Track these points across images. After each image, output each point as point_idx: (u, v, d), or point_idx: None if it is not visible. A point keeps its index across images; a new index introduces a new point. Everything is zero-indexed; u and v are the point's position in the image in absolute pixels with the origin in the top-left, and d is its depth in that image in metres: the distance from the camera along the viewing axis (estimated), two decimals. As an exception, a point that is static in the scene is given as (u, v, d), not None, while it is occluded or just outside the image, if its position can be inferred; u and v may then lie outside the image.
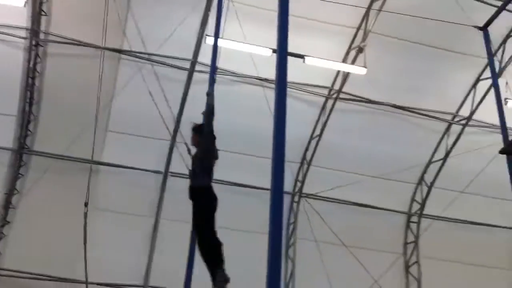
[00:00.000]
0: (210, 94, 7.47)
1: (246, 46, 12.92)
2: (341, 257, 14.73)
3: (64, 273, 13.73)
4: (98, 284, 13.68)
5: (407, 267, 16.54)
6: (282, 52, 5.26)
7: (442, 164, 16.26)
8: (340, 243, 14.66)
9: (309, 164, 15.83)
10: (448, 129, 16.06)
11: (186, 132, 14.21)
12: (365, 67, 13.46)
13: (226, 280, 6.13)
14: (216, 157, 6.94)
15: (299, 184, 16.05)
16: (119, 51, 14.06)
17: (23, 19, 13.50)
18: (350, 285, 14.57)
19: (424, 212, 16.61)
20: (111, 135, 14.69)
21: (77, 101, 14.06)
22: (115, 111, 14.45)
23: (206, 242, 6.45)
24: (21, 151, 14.43)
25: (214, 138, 7.00)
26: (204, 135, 6.90)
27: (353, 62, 14.00)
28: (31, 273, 13.87)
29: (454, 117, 15.96)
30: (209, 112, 7.13)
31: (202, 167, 6.72)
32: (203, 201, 6.58)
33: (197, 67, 14.20)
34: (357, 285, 14.21)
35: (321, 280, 14.27)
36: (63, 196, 14.08)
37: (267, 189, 4.81)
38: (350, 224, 15.93)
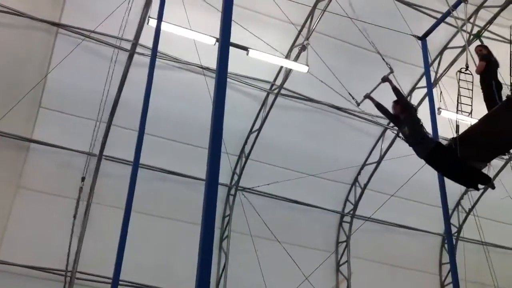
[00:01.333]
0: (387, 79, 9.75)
1: (189, 32, 12.56)
2: (275, 252, 14.76)
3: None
4: (21, 266, 13.23)
5: (338, 265, 16.85)
6: (224, 39, 5.23)
7: (376, 167, 16.65)
8: (274, 238, 14.73)
9: (247, 158, 15.82)
10: (383, 133, 16.46)
11: (122, 113, 13.98)
12: (307, 65, 13.53)
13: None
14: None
15: (236, 177, 16.02)
16: (57, 24, 13.50)
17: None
18: (283, 280, 14.63)
19: (356, 213, 16.98)
20: (44, 111, 14.10)
21: (8, 72, 13.43)
22: (49, 87, 13.83)
23: (466, 168, 8.68)
24: None
25: (412, 108, 9.39)
26: (409, 107, 9.25)
27: (296, 59, 14.06)
28: None
29: (390, 122, 16.34)
30: (397, 90, 9.31)
31: (422, 132, 8.87)
32: (452, 149, 8.60)
33: (138, 49, 13.87)
34: (289, 281, 14.28)
35: (254, 274, 14.24)
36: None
37: (203, 179, 4.75)
38: (285, 220, 16.09)
